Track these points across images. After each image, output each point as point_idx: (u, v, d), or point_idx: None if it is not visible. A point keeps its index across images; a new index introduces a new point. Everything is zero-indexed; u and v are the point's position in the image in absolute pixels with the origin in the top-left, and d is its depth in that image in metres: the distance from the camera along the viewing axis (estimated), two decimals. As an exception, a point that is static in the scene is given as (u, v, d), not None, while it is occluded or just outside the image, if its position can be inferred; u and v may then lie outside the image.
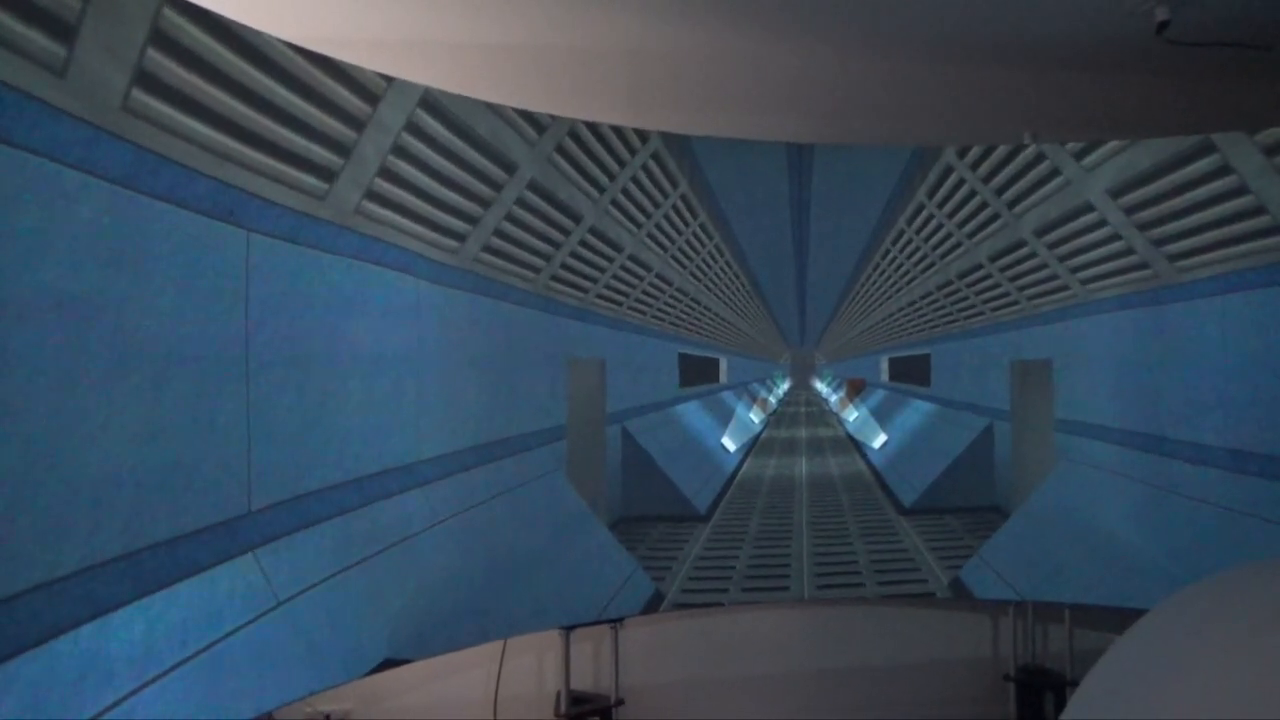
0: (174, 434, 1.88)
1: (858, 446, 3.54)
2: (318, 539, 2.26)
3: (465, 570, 2.72)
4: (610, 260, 3.13)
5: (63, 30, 1.66)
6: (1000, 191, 3.33)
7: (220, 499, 2.00)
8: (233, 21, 2.05)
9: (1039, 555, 3.30)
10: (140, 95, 1.82)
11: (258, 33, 2.12)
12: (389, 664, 2.47)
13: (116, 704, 1.72)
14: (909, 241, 3.40)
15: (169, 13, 1.88)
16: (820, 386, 3.57)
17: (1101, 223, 3.23)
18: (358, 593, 2.38)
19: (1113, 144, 3.20)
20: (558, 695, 3.06)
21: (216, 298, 2.00)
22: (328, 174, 2.31)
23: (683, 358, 3.36)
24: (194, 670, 1.90)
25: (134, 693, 1.76)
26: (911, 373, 3.52)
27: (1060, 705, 3.25)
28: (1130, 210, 3.18)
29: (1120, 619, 3.06)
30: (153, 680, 1.80)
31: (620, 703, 3.14)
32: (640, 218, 3.16)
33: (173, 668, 1.85)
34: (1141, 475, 3.21)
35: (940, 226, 3.38)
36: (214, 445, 1.99)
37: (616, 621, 3.12)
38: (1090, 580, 3.21)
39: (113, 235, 1.75)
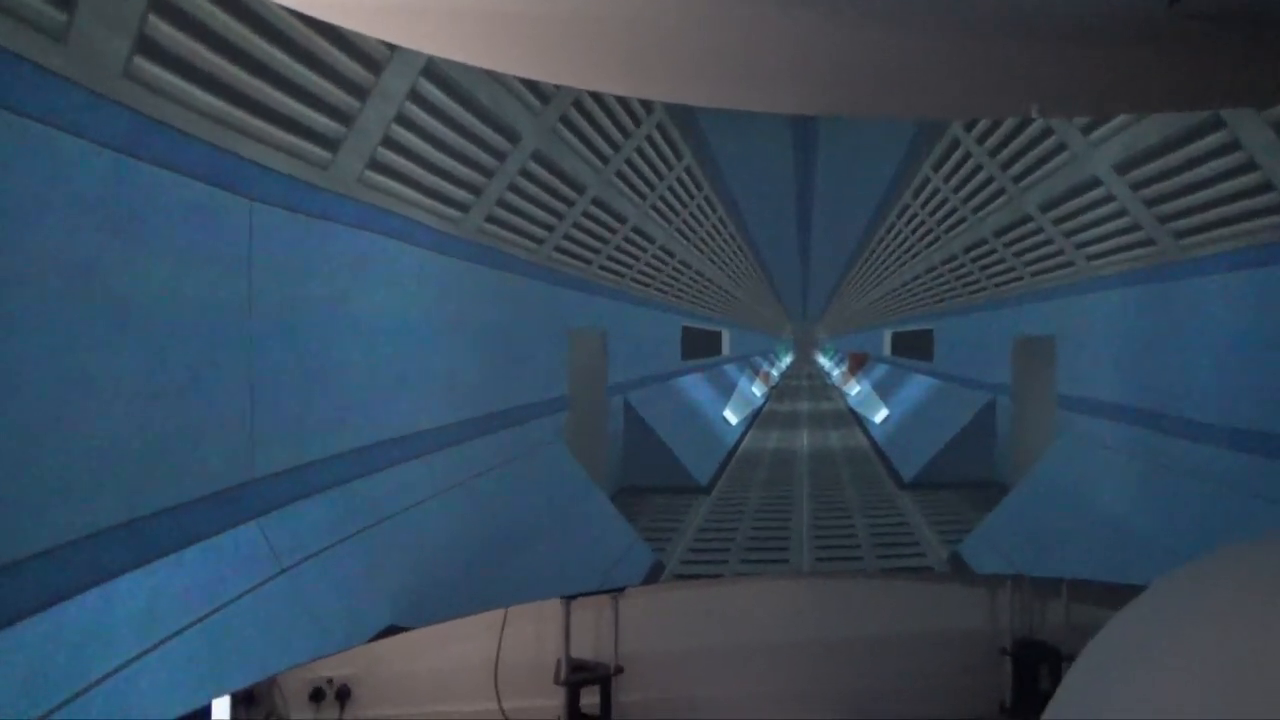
0: (176, 401, 1.88)
1: (859, 421, 3.54)
2: (321, 507, 2.28)
3: (467, 540, 2.74)
4: (614, 232, 3.11)
5: (63, -6, 1.64)
6: (1006, 165, 3.30)
7: (223, 466, 2.01)
8: (234, -13, 2.03)
9: (1037, 530, 3.31)
10: (142, 61, 1.80)
11: (259, -2, 2.10)
12: (391, 630, 2.50)
13: (120, 668, 1.74)
14: (914, 216, 3.38)
15: (170, -23, 1.86)
16: (823, 360, 3.57)
17: (1108, 198, 3.21)
18: (360, 561, 2.40)
19: (1120, 118, 3.17)
20: (558, 663, 3.10)
21: (219, 265, 2.00)
22: (331, 143, 2.30)
23: (686, 330, 3.36)
24: (198, 635, 1.92)
25: (138, 657, 1.78)
26: (914, 347, 3.51)
27: (1055, 679, 3.27)
28: (1137, 186, 3.16)
29: (1117, 595, 3.07)
30: (156, 645, 1.82)
31: (619, 671, 3.17)
32: (645, 189, 3.14)
33: (177, 633, 1.87)
34: (1141, 451, 3.21)
35: (945, 201, 3.36)
36: (217, 412, 1.99)
37: (617, 591, 3.14)
38: (1087, 555, 3.22)
39: (114, 202, 1.74)
